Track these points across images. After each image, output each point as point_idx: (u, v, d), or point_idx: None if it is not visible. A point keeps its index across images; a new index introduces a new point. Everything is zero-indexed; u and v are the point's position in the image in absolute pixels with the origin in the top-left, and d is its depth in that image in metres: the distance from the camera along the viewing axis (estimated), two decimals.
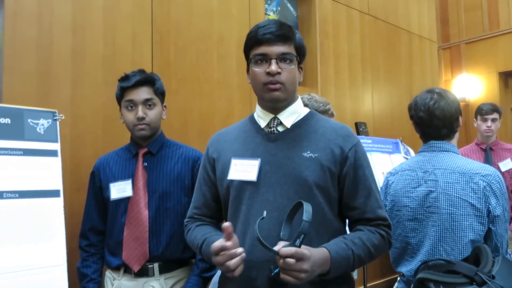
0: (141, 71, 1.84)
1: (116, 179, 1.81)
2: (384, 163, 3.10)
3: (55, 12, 2.19)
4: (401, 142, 3.45)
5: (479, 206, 1.58)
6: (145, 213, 1.75)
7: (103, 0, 2.37)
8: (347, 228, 1.38)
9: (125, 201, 1.77)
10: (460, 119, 1.75)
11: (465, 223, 1.59)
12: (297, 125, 1.33)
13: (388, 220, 1.31)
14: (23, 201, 1.60)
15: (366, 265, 2.91)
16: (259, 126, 1.35)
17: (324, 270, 1.15)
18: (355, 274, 1.65)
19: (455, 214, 1.60)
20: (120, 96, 1.82)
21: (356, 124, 3.62)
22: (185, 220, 1.45)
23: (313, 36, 3.63)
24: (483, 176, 1.61)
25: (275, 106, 1.32)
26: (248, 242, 1.23)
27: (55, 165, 1.72)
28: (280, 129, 1.32)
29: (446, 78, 5.83)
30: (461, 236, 1.59)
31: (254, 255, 1.18)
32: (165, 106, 1.90)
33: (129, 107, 1.79)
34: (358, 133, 3.52)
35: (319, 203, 1.24)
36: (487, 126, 3.40)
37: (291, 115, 1.33)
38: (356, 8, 4.00)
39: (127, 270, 1.77)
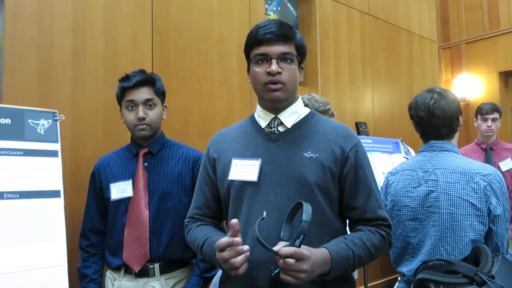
0: (142, 71, 1.84)
1: (116, 179, 1.81)
2: (385, 163, 3.10)
3: (55, 12, 2.19)
4: (402, 142, 3.45)
5: (479, 205, 1.58)
6: (145, 213, 1.75)
7: (104, 0, 2.37)
8: (347, 228, 1.38)
9: (125, 201, 1.77)
10: (460, 118, 1.75)
11: (466, 222, 1.59)
12: (297, 125, 1.33)
13: (388, 220, 1.31)
14: (24, 201, 1.60)
15: (367, 265, 2.91)
16: (259, 126, 1.35)
17: (325, 270, 1.15)
18: (355, 274, 1.65)
19: (456, 214, 1.60)
20: (120, 96, 1.82)
21: (356, 124, 3.62)
22: (186, 220, 1.45)
23: (313, 36, 3.63)
24: (484, 175, 1.61)
25: (275, 106, 1.32)
26: (249, 242, 1.23)
27: (55, 165, 1.72)
28: (280, 129, 1.32)
29: (447, 78, 5.83)
30: (462, 235, 1.59)
31: (254, 255, 1.17)
32: (165, 106, 1.90)
33: (130, 107, 1.79)
34: (359, 133, 3.52)
35: (319, 203, 1.24)
36: (488, 126, 3.40)
37: (292, 115, 1.33)
38: (356, 8, 4.00)
39: (128, 270, 1.77)
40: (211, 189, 1.40)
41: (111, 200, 1.79)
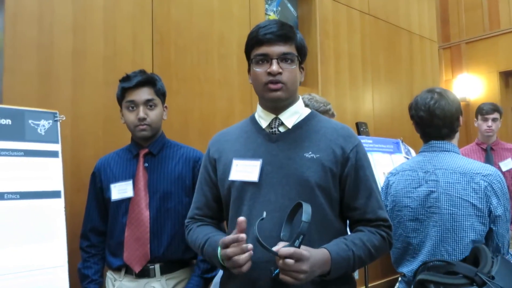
0: (142, 72, 1.84)
1: (117, 179, 1.81)
2: (385, 163, 3.10)
3: (55, 13, 2.19)
4: (402, 142, 3.45)
5: (480, 206, 1.58)
6: (146, 213, 1.75)
7: (104, 0, 2.37)
8: (347, 229, 1.38)
9: (126, 201, 1.77)
10: (461, 118, 1.75)
11: (466, 223, 1.59)
12: (298, 126, 1.33)
13: (388, 221, 1.31)
14: (24, 202, 1.60)
15: (367, 265, 2.91)
16: (260, 127, 1.35)
17: (325, 270, 1.15)
18: (356, 275, 1.64)
19: (456, 214, 1.60)
20: (121, 97, 1.82)
21: (357, 124, 3.61)
22: (186, 220, 1.45)
23: (313, 36, 3.63)
24: (484, 176, 1.61)
25: (276, 106, 1.32)
26: (250, 242, 1.21)
27: (56, 166, 1.72)
28: (281, 129, 1.32)
29: (447, 78, 5.83)
30: (463, 236, 1.59)
31: (255, 255, 1.17)
32: (166, 107, 1.89)
33: (130, 108, 1.79)
34: (359, 133, 3.52)
35: (320, 203, 1.24)
36: (488, 126, 3.40)
37: (293, 116, 1.33)
38: (356, 8, 4.00)
39: (128, 271, 1.77)
40: (211, 190, 1.40)
41: (112, 200, 1.79)
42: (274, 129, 1.32)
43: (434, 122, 1.70)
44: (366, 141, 3.12)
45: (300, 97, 1.40)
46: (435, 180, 1.66)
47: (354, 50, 3.93)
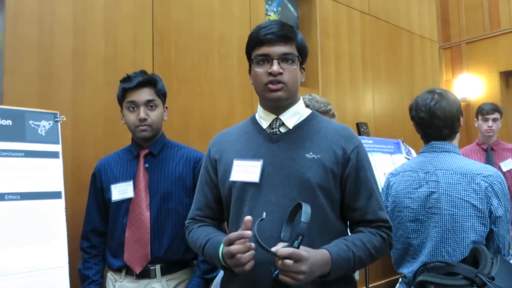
0: (143, 72, 1.84)
1: (117, 180, 1.81)
2: (386, 164, 3.10)
3: (56, 13, 2.19)
4: (403, 142, 3.45)
5: (480, 207, 1.58)
6: (146, 214, 1.75)
7: (104, 1, 2.37)
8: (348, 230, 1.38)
9: (126, 202, 1.77)
10: (461, 119, 1.75)
11: (467, 224, 1.58)
12: (299, 126, 1.33)
13: (389, 222, 1.31)
14: (25, 202, 1.60)
15: (368, 266, 2.91)
16: (261, 127, 1.35)
17: (325, 271, 1.16)
18: (356, 275, 1.64)
19: (457, 215, 1.60)
20: (121, 97, 1.82)
21: (357, 124, 3.61)
22: (187, 221, 1.45)
23: (313, 37, 3.63)
24: (485, 176, 1.60)
25: (276, 106, 1.32)
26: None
27: (56, 166, 1.72)
28: (282, 130, 1.32)
29: (447, 78, 5.83)
30: (463, 237, 1.58)
31: (256, 255, 1.17)
32: (166, 107, 1.89)
33: (131, 108, 1.79)
34: (360, 133, 3.52)
35: (321, 204, 1.24)
36: (488, 126, 3.40)
37: (293, 116, 1.33)
38: (356, 8, 3.99)
39: (129, 271, 1.77)
40: (212, 190, 1.40)
41: (112, 201, 1.79)
42: (275, 130, 1.32)
43: (435, 122, 1.70)
44: (366, 142, 3.12)
45: (301, 98, 1.40)
46: (436, 180, 1.66)
47: (355, 50, 3.93)
